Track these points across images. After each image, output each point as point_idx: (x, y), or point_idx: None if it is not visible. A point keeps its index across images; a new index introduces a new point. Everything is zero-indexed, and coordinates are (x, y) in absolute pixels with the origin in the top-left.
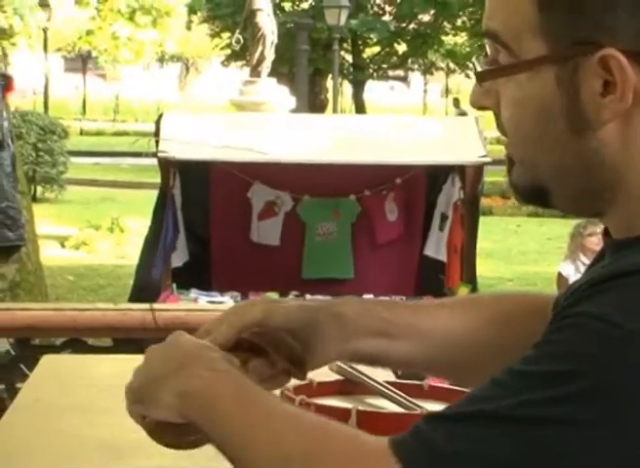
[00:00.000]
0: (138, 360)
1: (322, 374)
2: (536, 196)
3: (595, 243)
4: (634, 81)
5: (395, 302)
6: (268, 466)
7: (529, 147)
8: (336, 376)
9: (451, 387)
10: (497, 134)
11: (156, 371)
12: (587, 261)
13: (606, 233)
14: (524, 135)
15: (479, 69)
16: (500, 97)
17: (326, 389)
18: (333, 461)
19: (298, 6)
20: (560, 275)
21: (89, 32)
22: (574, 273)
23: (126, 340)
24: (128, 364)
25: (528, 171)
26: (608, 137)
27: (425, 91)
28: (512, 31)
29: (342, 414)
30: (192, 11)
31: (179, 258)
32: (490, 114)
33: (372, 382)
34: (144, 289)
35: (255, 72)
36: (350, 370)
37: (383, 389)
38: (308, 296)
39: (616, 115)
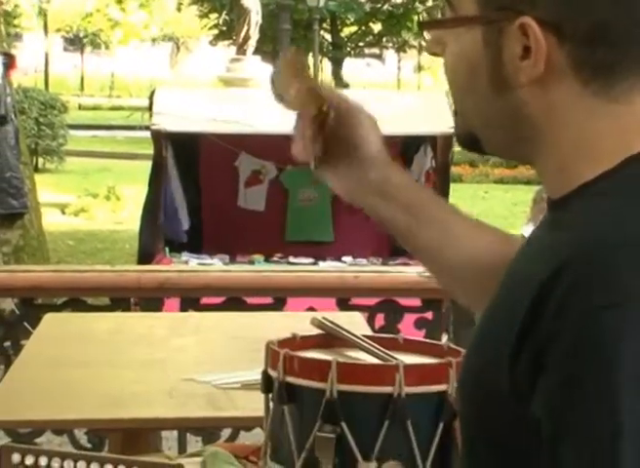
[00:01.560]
0: (132, 317)
1: (305, 330)
2: (471, 143)
3: None
4: (546, 49)
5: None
6: None
7: (462, 97)
8: (317, 331)
9: (424, 340)
10: None
11: None
12: None
13: None
14: (457, 86)
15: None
16: (444, 42)
17: (308, 343)
18: None
19: None
20: (523, 237)
21: (87, 15)
22: None
23: (122, 299)
24: (124, 321)
25: (464, 119)
26: (527, 98)
27: (399, 67)
28: None
29: (323, 366)
30: None
31: (183, 225)
32: None
33: (350, 336)
34: (147, 252)
35: (240, 50)
36: (330, 324)
37: (361, 342)
38: (292, 258)
39: (530, 79)
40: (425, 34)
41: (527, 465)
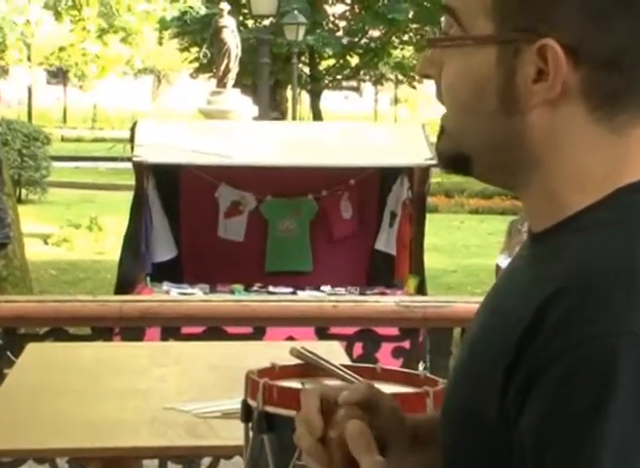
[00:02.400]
0: (114, 346)
1: (284, 359)
2: (458, 164)
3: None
4: (565, 73)
5: None
6: None
7: (461, 117)
8: (296, 361)
9: (401, 370)
10: None
11: None
12: None
13: None
14: (458, 104)
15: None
16: (443, 67)
17: (287, 372)
18: None
19: (259, 23)
20: (498, 267)
21: (61, 49)
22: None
23: (104, 329)
24: (106, 350)
25: (455, 139)
26: (533, 122)
27: (376, 100)
28: (468, 10)
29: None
30: (163, 27)
31: (168, 253)
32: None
33: (329, 366)
34: (130, 282)
35: (221, 83)
36: (309, 354)
37: (340, 372)
38: (271, 288)
39: (543, 102)
40: (423, 54)
41: None
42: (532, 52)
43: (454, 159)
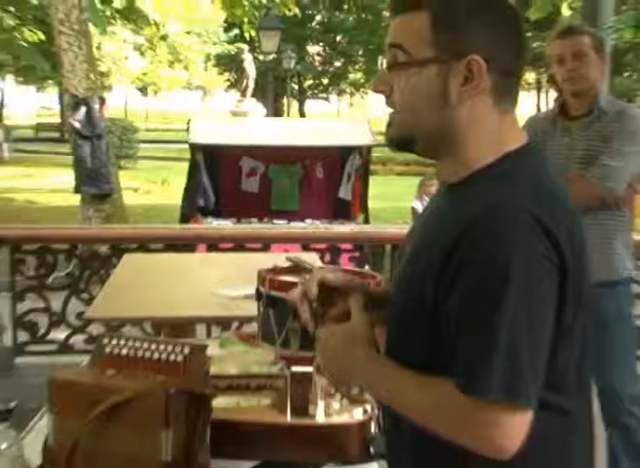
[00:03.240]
0: (179, 256)
1: (281, 263)
2: (406, 145)
3: (432, 188)
4: (484, 78)
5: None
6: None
7: (412, 114)
8: (289, 264)
9: (354, 268)
10: (380, 129)
11: (345, 367)
12: (427, 199)
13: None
14: (411, 105)
15: (386, 65)
16: (393, 84)
17: (283, 271)
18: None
19: (267, 57)
20: (413, 208)
21: (144, 73)
22: (421, 207)
23: (172, 245)
24: (173, 258)
25: (407, 128)
26: (460, 112)
27: (339, 105)
28: (412, 43)
29: (293, 284)
30: (208, 60)
31: (209, 200)
32: (375, 119)
33: (309, 266)
34: (187, 217)
35: (243, 94)
36: (297, 260)
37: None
38: (274, 220)
39: (467, 98)
40: (376, 77)
41: (435, 345)
42: (462, 65)
43: (403, 141)
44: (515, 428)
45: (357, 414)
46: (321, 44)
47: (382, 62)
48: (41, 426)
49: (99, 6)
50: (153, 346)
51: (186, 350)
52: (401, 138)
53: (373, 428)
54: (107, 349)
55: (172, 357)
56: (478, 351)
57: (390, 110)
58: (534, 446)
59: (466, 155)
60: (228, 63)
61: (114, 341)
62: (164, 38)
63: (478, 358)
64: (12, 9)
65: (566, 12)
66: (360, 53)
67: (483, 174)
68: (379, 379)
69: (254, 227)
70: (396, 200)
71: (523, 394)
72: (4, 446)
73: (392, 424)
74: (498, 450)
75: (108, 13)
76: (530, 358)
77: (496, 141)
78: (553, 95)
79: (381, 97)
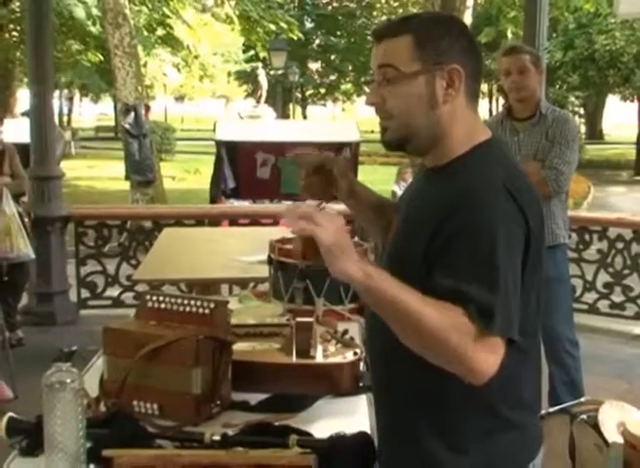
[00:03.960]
0: (207, 230)
1: (288, 234)
2: (400, 145)
3: (407, 175)
4: (462, 82)
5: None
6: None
7: (408, 117)
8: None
9: None
10: (365, 128)
11: (347, 244)
12: (405, 184)
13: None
14: (407, 110)
15: (378, 82)
16: (385, 96)
17: (290, 241)
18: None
19: (276, 71)
20: (393, 192)
21: (180, 85)
22: (399, 190)
23: (201, 221)
24: (203, 231)
25: (401, 131)
26: (443, 112)
27: (334, 110)
28: (400, 61)
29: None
30: (230, 75)
31: (231, 184)
32: (362, 121)
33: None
34: (214, 199)
35: (258, 102)
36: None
37: None
38: (283, 201)
39: (449, 100)
40: (369, 92)
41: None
42: (445, 74)
43: (399, 143)
44: (500, 357)
45: (349, 356)
46: (319, 61)
47: (369, 79)
48: (98, 365)
49: (145, 34)
50: (185, 302)
51: (212, 305)
52: (397, 140)
53: (361, 367)
54: (149, 304)
55: (200, 310)
56: (482, 292)
57: (379, 118)
58: (500, 378)
59: (447, 146)
60: (246, 77)
61: (154, 298)
62: (196, 58)
63: (485, 295)
64: (78, 37)
65: (510, 35)
66: (350, 68)
67: (460, 160)
68: (383, 281)
69: (266, 206)
70: (379, 184)
71: (514, 331)
72: (68, 380)
73: (380, 365)
74: (482, 374)
75: (152, 39)
76: (516, 301)
77: (469, 135)
78: (502, 101)
79: (370, 107)
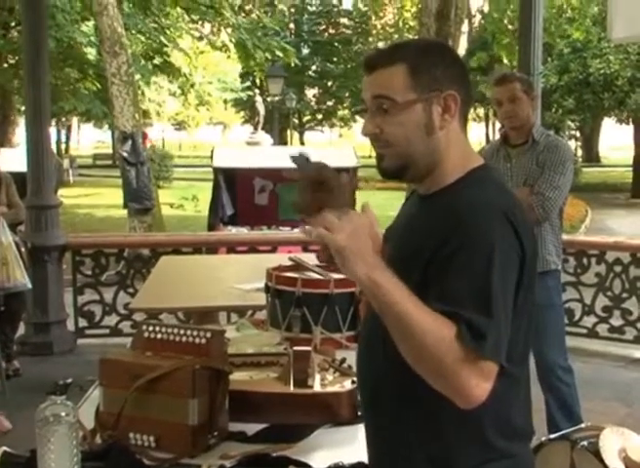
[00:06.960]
0: (204, 257)
1: (285, 263)
2: (398, 173)
3: None
4: (457, 108)
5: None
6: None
7: (407, 144)
8: (291, 263)
9: None
10: (362, 153)
11: (357, 247)
12: None
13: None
14: (405, 138)
15: (373, 112)
16: (382, 126)
17: (287, 268)
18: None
19: (273, 98)
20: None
21: (177, 113)
22: None
23: (199, 249)
24: (200, 259)
25: (400, 159)
26: (440, 137)
27: (330, 136)
28: (395, 91)
29: (295, 280)
30: (227, 103)
31: (229, 211)
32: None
33: (309, 265)
34: (212, 226)
35: (255, 128)
36: (299, 260)
37: (314, 268)
38: (280, 228)
39: (445, 125)
40: (365, 121)
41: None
42: (440, 100)
43: (396, 171)
44: (492, 383)
45: (347, 384)
46: (316, 88)
47: (359, 109)
48: (95, 396)
49: (142, 62)
50: (182, 331)
51: (208, 334)
52: (395, 168)
53: (359, 395)
54: (145, 334)
55: (197, 340)
56: (475, 315)
57: (376, 146)
58: (490, 404)
59: (443, 172)
60: (243, 104)
61: (150, 328)
62: (192, 86)
63: (477, 318)
64: (76, 65)
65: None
66: (347, 95)
67: (456, 186)
68: (389, 283)
69: (264, 233)
70: (377, 210)
71: (503, 356)
72: (63, 414)
73: (372, 390)
74: (474, 397)
75: (150, 67)
76: (507, 326)
77: (463, 159)
78: (498, 126)
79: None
